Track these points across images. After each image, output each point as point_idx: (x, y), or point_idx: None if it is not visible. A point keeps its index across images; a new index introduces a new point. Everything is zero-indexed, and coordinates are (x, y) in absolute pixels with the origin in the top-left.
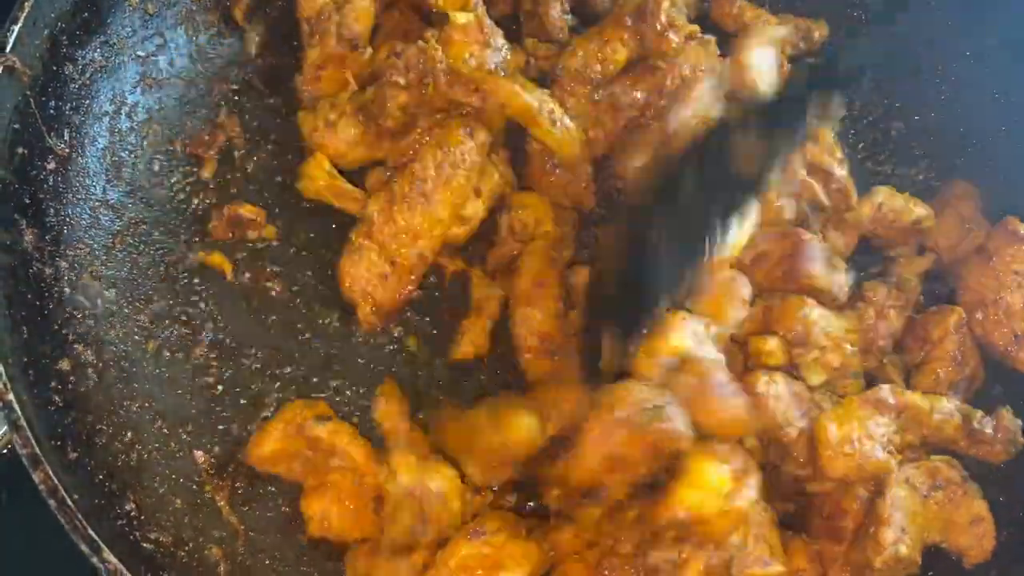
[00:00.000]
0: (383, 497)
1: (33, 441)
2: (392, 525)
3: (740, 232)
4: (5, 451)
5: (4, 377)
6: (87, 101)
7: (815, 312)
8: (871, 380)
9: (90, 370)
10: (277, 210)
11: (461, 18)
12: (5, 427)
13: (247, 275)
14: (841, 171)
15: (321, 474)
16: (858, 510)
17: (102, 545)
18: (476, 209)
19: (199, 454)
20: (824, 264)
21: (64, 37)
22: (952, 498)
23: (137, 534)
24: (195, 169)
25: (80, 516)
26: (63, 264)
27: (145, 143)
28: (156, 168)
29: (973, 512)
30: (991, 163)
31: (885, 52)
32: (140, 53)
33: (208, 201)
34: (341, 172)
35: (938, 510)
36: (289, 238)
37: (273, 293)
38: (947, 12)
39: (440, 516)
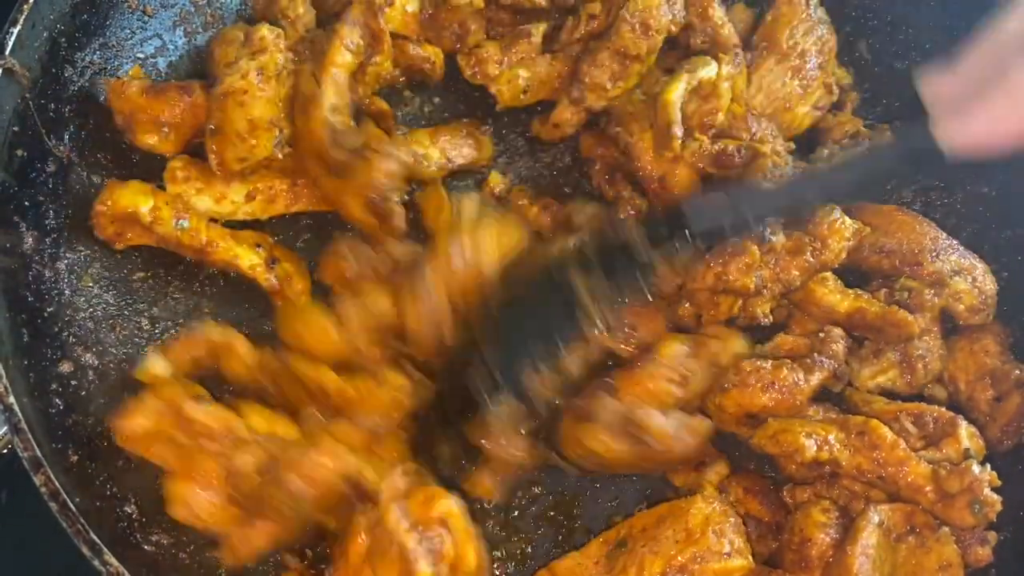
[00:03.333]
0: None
1: (34, 444)
2: (240, 455)
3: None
4: (5, 451)
5: (4, 380)
6: (87, 103)
7: None
8: None
9: (91, 373)
10: None
11: None
12: (5, 427)
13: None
14: None
15: (190, 460)
16: (825, 541)
17: (104, 548)
18: None
19: None
20: None
21: (63, 39)
22: (923, 543)
23: (139, 536)
24: None
25: (82, 519)
26: (63, 267)
27: None
28: None
29: (944, 557)
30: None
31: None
32: (139, 55)
33: None
34: None
35: (907, 556)
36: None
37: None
38: (943, 10)
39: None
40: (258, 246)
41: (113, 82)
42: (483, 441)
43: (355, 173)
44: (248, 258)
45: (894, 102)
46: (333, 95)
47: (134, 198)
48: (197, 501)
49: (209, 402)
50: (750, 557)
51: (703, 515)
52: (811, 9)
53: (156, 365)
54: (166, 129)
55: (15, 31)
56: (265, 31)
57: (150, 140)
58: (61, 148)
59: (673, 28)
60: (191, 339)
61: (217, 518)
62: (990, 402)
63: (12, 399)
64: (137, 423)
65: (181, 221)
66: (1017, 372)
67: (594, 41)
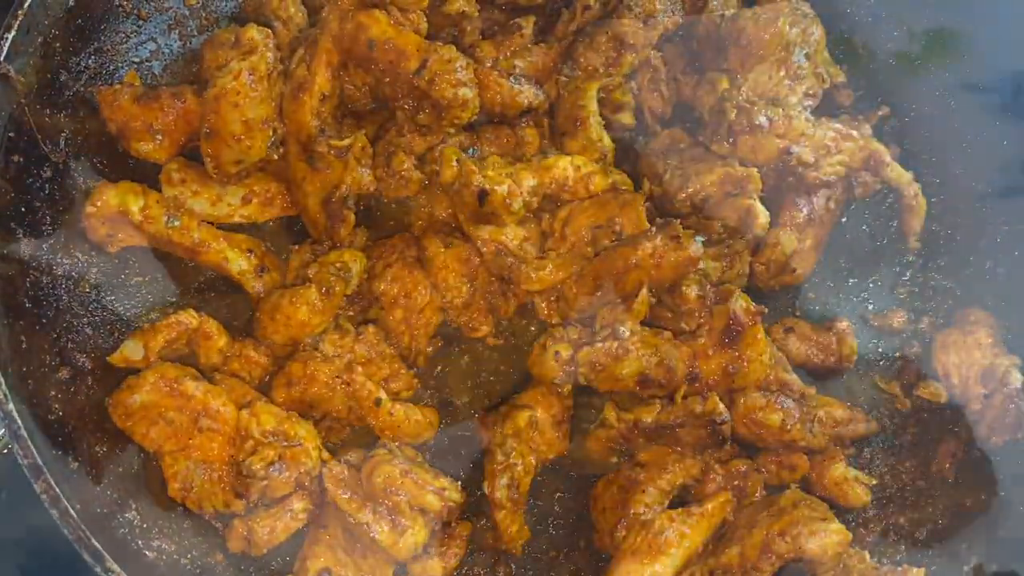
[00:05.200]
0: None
1: (34, 451)
2: (252, 456)
3: None
4: (5, 451)
5: (4, 387)
6: (82, 108)
7: None
8: None
9: (90, 378)
10: None
11: None
12: (3, 430)
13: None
14: None
15: (183, 439)
16: None
17: (105, 555)
18: None
19: None
20: None
21: (58, 44)
22: None
23: (140, 542)
24: None
25: (83, 526)
26: (60, 272)
27: None
28: None
29: None
30: (989, 157)
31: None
32: (134, 59)
33: None
34: None
35: None
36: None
37: None
38: (938, 5)
39: (299, 460)
40: (250, 252)
41: (105, 91)
42: None
43: (329, 169)
44: (237, 262)
45: (889, 98)
46: (324, 83)
47: (124, 197)
48: (193, 479)
49: (204, 383)
50: None
51: None
52: (792, 3)
53: (132, 350)
54: (159, 136)
55: (10, 37)
56: (254, 32)
57: (144, 147)
58: (57, 153)
59: (670, 26)
60: (168, 325)
61: (212, 498)
62: (980, 399)
63: (11, 406)
64: (139, 395)
65: (172, 219)
66: (1003, 369)
67: (591, 26)
